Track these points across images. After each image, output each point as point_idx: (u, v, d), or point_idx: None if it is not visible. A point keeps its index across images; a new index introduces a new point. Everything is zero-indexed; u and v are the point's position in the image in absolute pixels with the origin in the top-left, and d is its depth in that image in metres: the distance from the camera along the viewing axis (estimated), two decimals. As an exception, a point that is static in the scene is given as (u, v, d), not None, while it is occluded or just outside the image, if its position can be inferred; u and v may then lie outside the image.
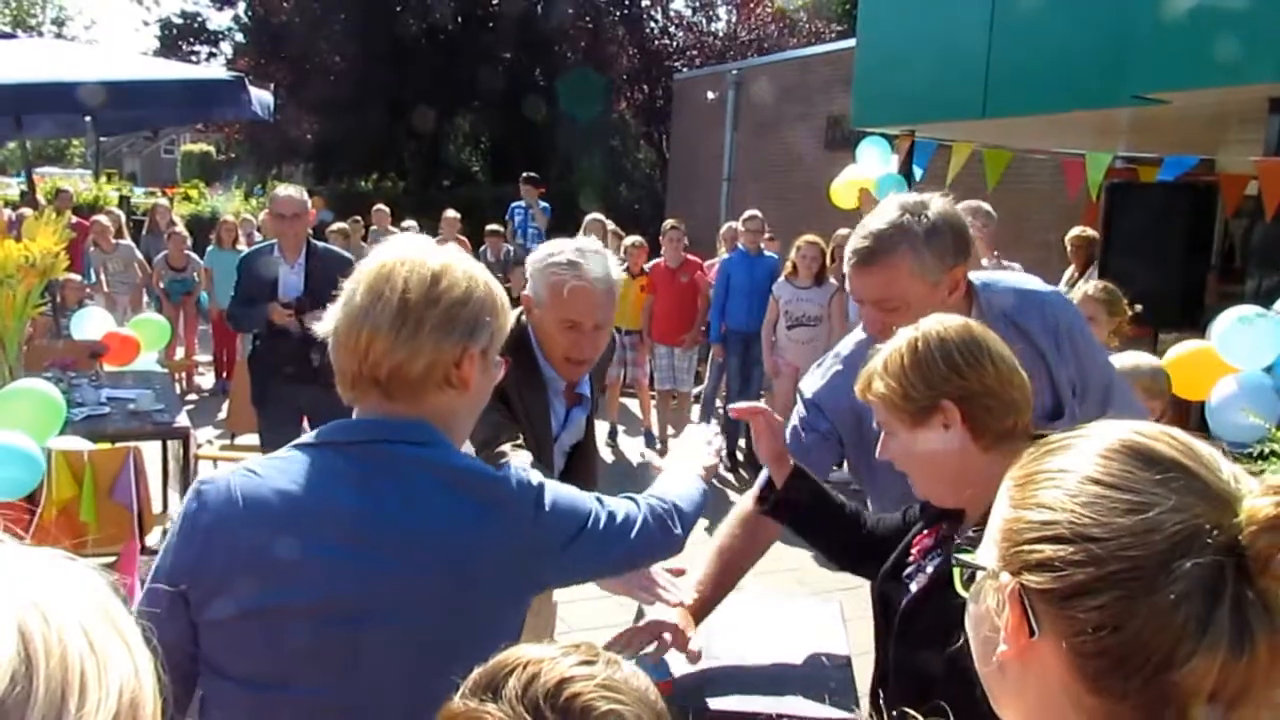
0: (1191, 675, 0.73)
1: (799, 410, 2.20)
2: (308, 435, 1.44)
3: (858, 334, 2.19)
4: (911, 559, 1.71)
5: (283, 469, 1.37)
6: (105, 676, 0.52)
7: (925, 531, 1.74)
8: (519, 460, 1.43)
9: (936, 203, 2.00)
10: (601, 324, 2.25)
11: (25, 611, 0.51)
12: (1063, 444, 0.86)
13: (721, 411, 7.94)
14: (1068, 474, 0.81)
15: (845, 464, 2.30)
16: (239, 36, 21.06)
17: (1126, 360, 3.09)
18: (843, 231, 7.18)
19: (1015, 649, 0.81)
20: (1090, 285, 4.12)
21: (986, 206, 5.25)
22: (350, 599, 1.30)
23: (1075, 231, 7.06)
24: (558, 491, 1.47)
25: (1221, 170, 6.32)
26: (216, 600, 1.31)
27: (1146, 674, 0.74)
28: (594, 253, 2.23)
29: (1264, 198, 5.19)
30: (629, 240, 8.30)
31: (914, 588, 1.62)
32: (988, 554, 0.86)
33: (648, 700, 0.93)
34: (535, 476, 1.45)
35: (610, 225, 9.28)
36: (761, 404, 2.05)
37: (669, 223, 7.87)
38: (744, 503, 2.18)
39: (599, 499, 1.55)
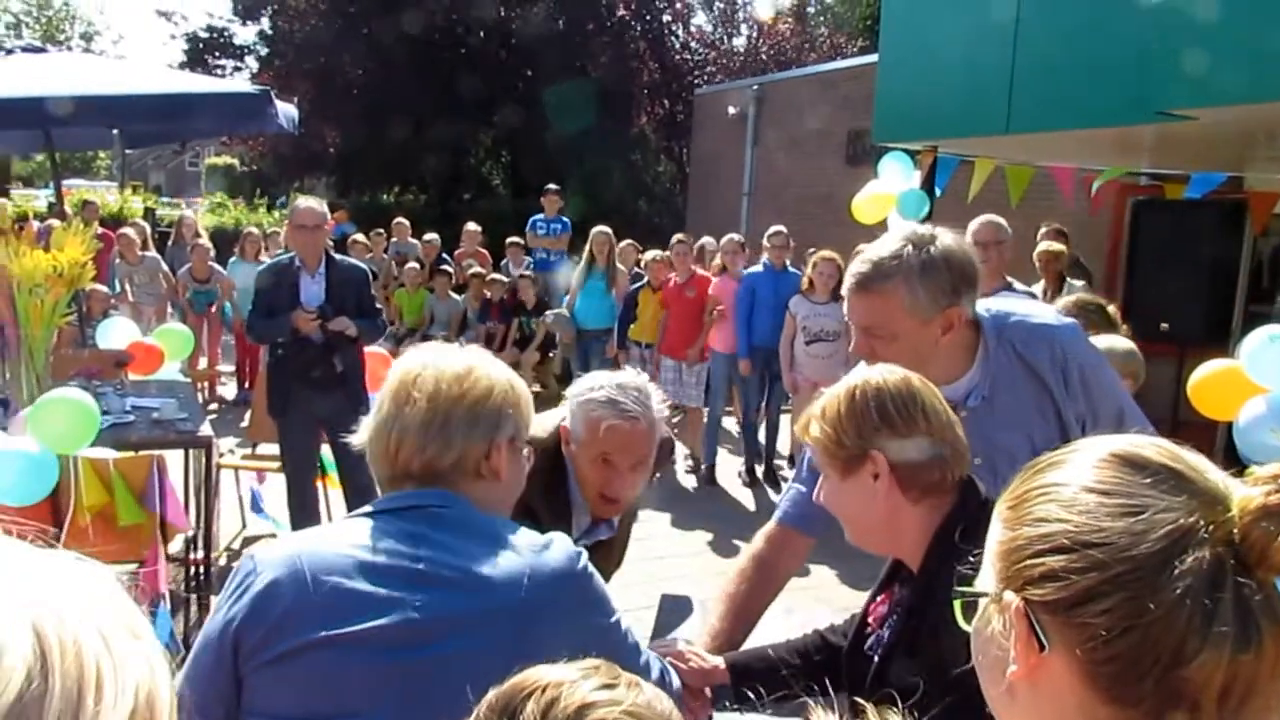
0: (1201, 671, 0.73)
1: None
2: (360, 509, 1.49)
3: None
4: (870, 629, 1.71)
5: (339, 531, 1.44)
6: (121, 674, 0.53)
7: (879, 599, 1.74)
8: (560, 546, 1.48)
9: (946, 239, 1.98)
10: (638, 463, 2.14)
11: (40, 611, 0.52)
12: (1052, 462, 0.87)
13: (739, 428, 7.93)
14: (1061, 487, 0.83)
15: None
16: (263, 50, 21.26)
17: (1101, 343, 3.05)
18: (863, 247, 7.15)
19: (1025, 667, 0.81)
20: (1062, 300, 4.02)
21: (1001, 221, 5.19)
22: (411, 628, 1.33)
23: (1043, 246, 7.01)
24: (598, 576, 1.52)
25: (1250, 188, 6.27)
26: (276, 639, 1.32)
27: (1158, 674, 0.75)
28: (634, 389, 2.13)
29: (1292, 215, 5.14)
30: (649, 255, 8.29)
31: (877, 658, 1.61)
32: (986, 579, 0.87)
33: None
34: (581, 551, 1.49)
35: (627, 241, 9.28)
36: (681, 644, 2.00)
37: (676, 237, 7.80)
38: (756, 543, 2.17)
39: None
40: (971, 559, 0.91)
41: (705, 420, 7.69)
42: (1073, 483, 0.82)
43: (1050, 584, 0.79)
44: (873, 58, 10.82)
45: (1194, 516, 0.76)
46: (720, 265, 7.76)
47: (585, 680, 0.86)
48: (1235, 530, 0.75)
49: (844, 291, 2.06)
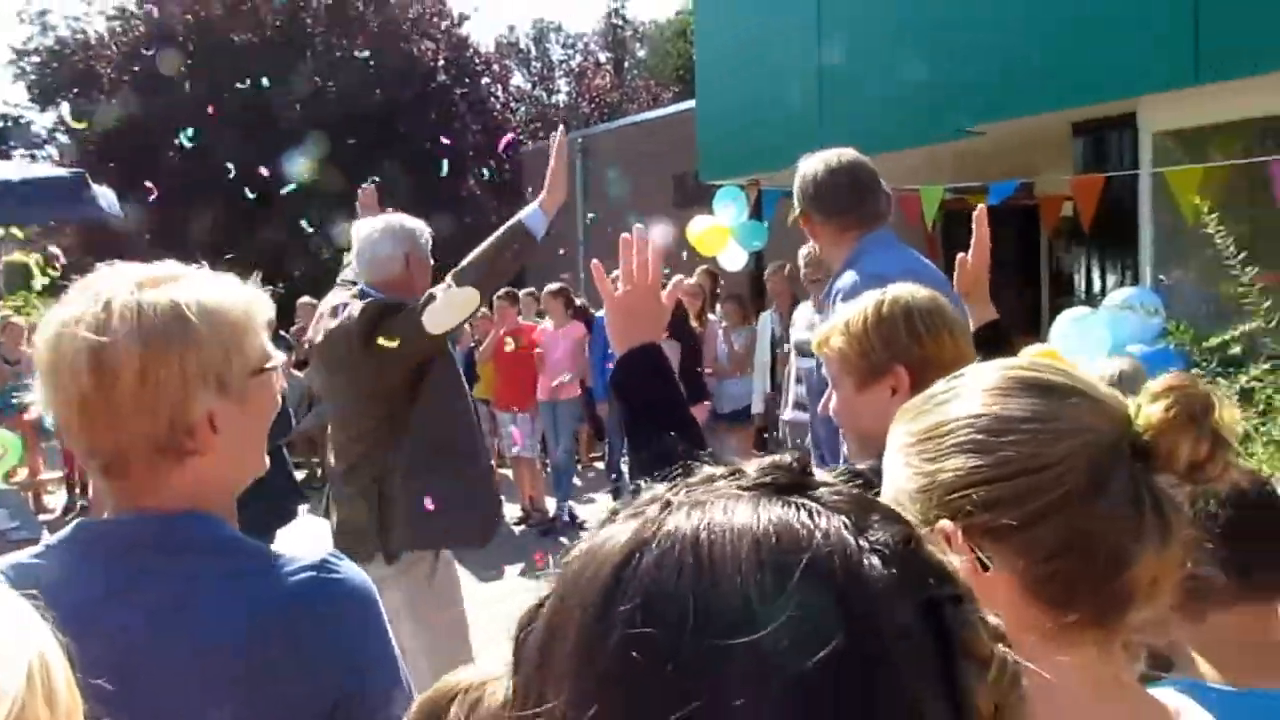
0: (1137, 572, 0.80)
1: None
2: (68, 533, 1.15)
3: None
4: None
5: (43, 583, 1.11)
6: (13, 653, 0.57)
7: None
8: (349, 567, 1.15)
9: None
10: None
11: None
12: (945, 397, 0.90)
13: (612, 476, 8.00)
14: (978, 418, 0.85)
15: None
16: (62, 138, 20.26)
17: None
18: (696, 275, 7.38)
19: None
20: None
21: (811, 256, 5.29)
22: None
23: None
24: (364, 628, 1.15)
25: (1041, 193, 6.82)
26: None
27: (1099, 583, 0.80)
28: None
29: (1080, 211, 5.65)
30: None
31: None
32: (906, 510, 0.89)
33: None
34: (354, 588, 1.14)
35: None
36: None
37: (500, 292, 7.82)
38: None
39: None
40: None
41: (546, 471, 7.76)
42: (988, 412, 0.84)
43: (991, 511, 0.80)
44: (690, 104, 11.26)
45: (1113, 435, 0.81)
46: (538, 312, 7.97)
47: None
48: (1144, 441, 0.81)
49: None
